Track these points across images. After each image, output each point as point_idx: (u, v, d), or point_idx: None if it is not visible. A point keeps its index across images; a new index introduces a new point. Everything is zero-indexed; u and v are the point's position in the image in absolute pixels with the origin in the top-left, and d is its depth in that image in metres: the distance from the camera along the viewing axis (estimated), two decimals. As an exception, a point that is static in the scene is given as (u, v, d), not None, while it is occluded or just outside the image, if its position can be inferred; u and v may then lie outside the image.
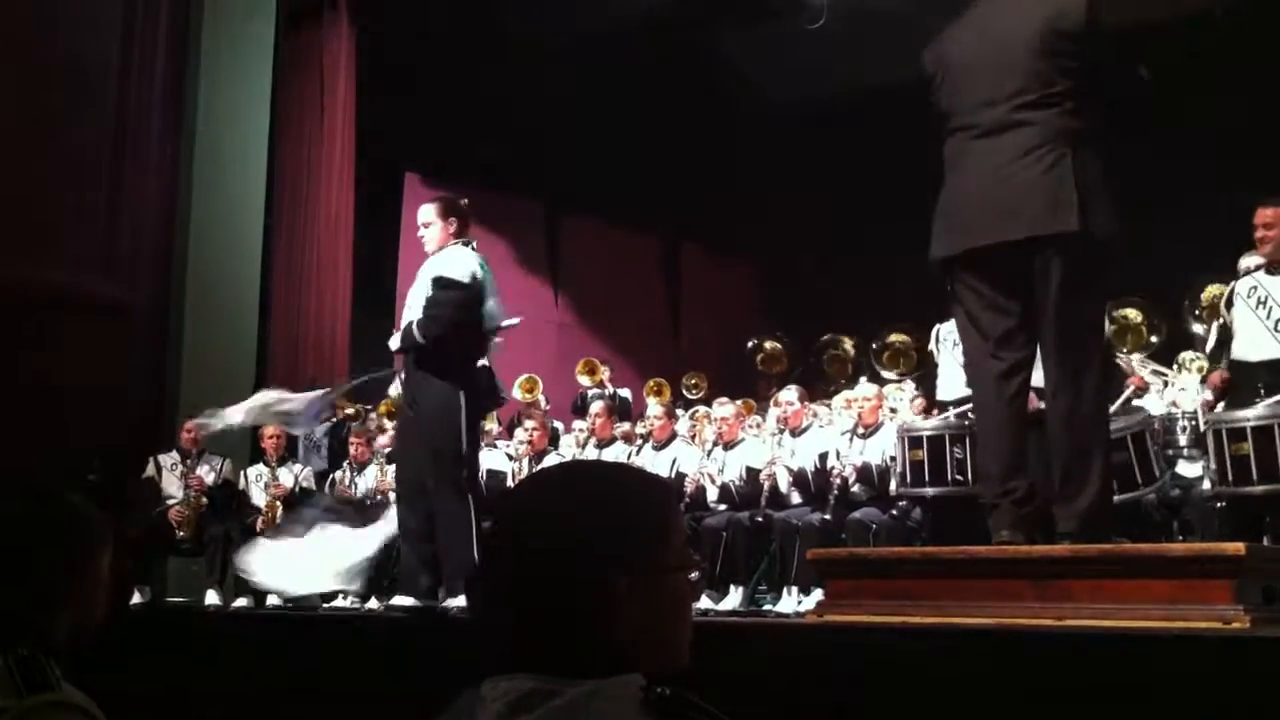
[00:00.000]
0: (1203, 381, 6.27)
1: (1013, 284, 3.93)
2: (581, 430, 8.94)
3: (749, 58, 11.73)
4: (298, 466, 8.68)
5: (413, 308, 5.92)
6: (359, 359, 9.57)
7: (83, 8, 9.15)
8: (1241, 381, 5.54)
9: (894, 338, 9.50)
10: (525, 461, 8.30)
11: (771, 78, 11.84)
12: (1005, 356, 3.97)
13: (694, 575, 1.54)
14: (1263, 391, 5.36)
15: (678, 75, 11.60)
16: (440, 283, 5.80)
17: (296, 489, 8.47)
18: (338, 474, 8.64)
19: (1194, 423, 5.66)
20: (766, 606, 7.14)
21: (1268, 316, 5.48)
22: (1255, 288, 5.56)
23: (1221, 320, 5.78)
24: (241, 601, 7.95)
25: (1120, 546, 3.56)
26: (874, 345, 11.10)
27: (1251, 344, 5.54)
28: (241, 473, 8.61)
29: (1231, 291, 5.73)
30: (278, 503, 8.32)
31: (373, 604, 6.91)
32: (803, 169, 12.02)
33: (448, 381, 5.75)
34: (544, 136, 11.49)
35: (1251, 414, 5.21)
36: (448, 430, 5.72)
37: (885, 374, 10.48)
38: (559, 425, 9.75)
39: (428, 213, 6.06)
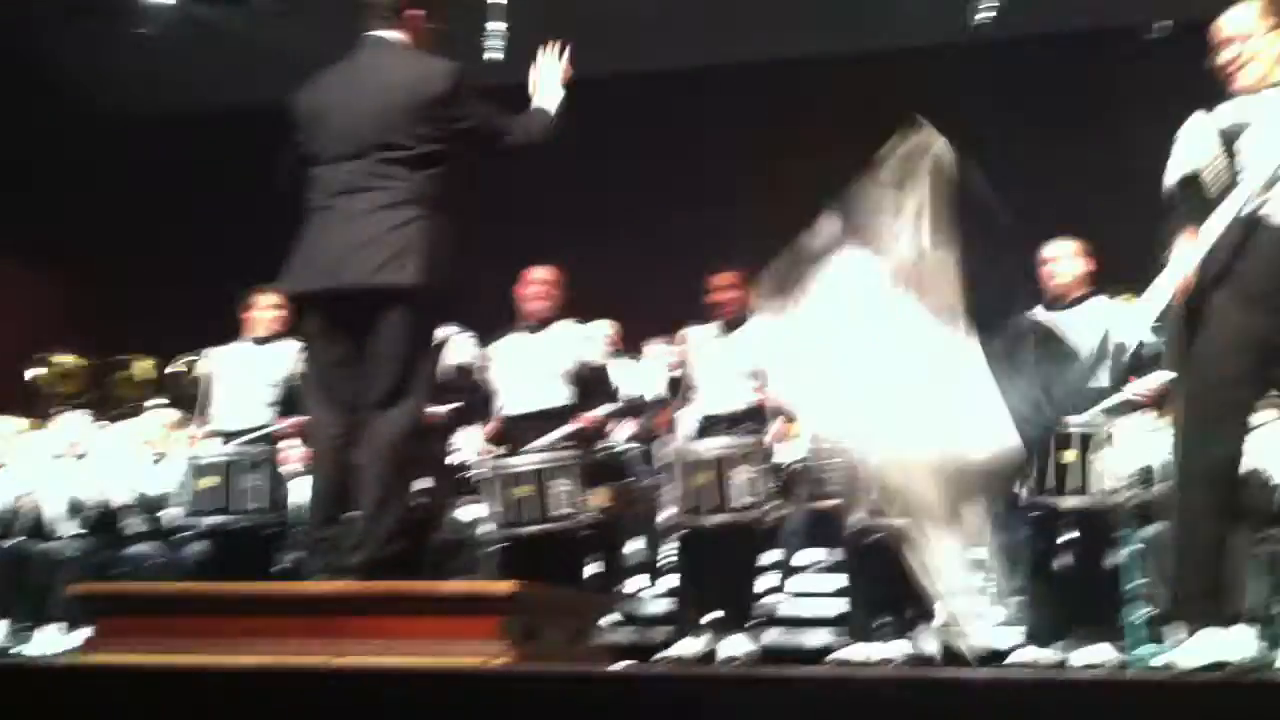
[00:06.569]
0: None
1: (353, 335, 3.91)
2: None
3: (72, 56, 10.85)
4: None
5: None
6: None
7: None
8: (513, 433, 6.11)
9: (140, 364, 9.17)
10: None
11: (96, 80, 11.07)
12: (340, 405, 3.94)
13: None
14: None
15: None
16: None
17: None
18: None
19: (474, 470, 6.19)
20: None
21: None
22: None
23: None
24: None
25: (393, 585, 3.61)
26: (118, 373, 10.55)
27: (512, 399, 6.11)
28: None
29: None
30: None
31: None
32: (117, 174, 11.30)
33: None
34: None
35: (523, 460, 5.81)
36: None
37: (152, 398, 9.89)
38: None
39: None
